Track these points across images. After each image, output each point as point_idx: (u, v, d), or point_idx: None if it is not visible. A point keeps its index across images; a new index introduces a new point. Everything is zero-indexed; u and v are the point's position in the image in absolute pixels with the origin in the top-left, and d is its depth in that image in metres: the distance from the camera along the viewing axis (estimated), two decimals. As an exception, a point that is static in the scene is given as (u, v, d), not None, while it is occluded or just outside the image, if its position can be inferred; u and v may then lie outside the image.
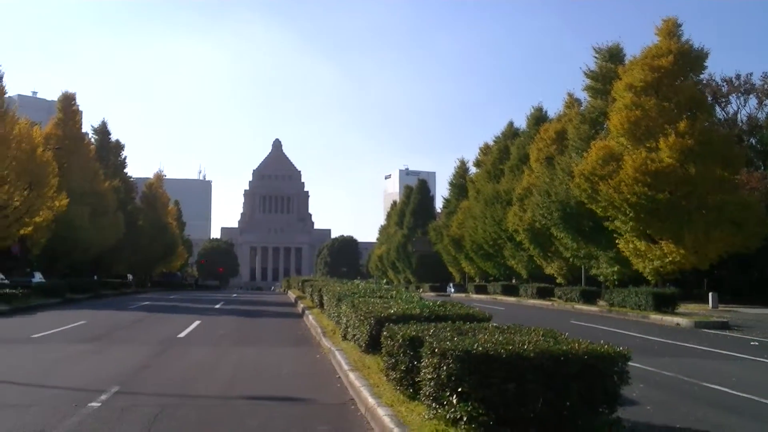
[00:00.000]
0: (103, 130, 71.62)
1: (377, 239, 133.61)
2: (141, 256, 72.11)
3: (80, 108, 59.60)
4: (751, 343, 20.49)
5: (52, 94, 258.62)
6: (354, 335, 14.39)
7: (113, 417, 9.01)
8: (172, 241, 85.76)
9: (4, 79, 39.37)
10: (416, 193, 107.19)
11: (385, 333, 10.35)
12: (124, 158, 74.71)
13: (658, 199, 36.30)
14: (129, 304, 36.99)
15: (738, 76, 58.76)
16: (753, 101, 58.96)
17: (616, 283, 42.47)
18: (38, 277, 44.92)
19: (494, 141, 72.93)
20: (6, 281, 39.39)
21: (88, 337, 19.04)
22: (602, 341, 7.97)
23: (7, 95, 41.15)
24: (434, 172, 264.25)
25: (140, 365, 13.85)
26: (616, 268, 42.29)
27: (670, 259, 36.31)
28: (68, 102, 58.28)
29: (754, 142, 55.63)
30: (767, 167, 50.02)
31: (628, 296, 33.55)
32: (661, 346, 19.11)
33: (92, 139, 66.85)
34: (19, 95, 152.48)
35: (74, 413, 9.12)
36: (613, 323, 27.63)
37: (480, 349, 7.20)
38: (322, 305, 24.94)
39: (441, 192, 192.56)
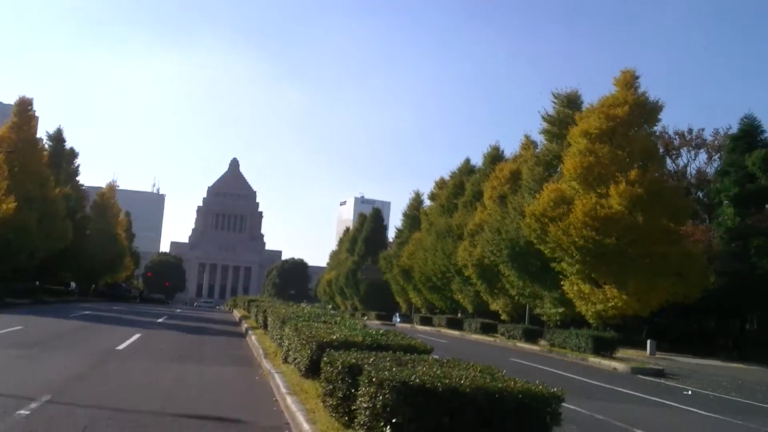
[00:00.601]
0: (58, 137, 70.64)
1: (327, 264, 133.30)
2: (87, 264, 70.82)
3: (36, 114, 58.74)
4: (684, 392, 20.86)
5: (8, 97, 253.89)
6: (295, 359, 14.35)
7: (41, 427, 8.88)
8: (120, 252, 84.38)
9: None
10: (370, 221, 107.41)
11: (325, 358, 10.35)
12: (78, 166, 73.91)
13: (605, 243, 36.89)
14: (70, 312, 36.33)
15: (690, 131, 60.59)
16: (703, 156, 60.78)
17: (559, 323, 42.90)
18: (-23, 279, 43.92)
19: (450, 176, 73.48)
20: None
21: (23, 343, 18.69)
22: (538, 381, 8.11)
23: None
24: (389, 202, 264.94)
25: (75, 375, 13.65)
26: (560, 309, 42.73)
27: (613, 303, 36.83)
28: (24, 106, 57.32)
29: (701, 195, 57.13)
30: (712, 221, 51.25)
31: (568, 337, 33.93)
32: (596, 390, 19.38)
33: (46, 145, 65.90)
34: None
35: (0, 420, 8.98)
36: (552, 363, 27.91)
37: (417, 381, 7.28)
38: (266, 326, 24.80)
39: (394, 222, 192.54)
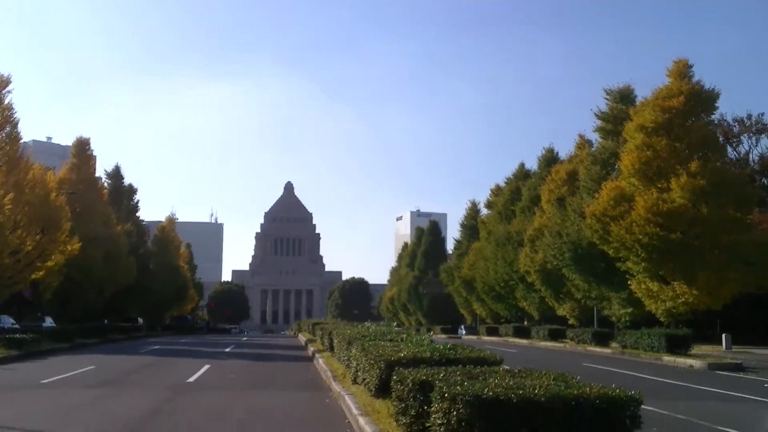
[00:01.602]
0: (116, 174, 72.43)
1: (388, 281, 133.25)
2: (152, 299, 72.06)
3: (94, 152, 60.36)
4: (765, 385, 20.20)
5: (67, 139, 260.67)
6: (364, 379, 14.28)
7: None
8: (184, 284, 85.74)
9: (19, 125, 39.74)
10: (427, 234, 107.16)
11: (395, 377, 10.26)
12: (137, 202, 75.57)
13: (670, 239, 36.11)
14: (139, 348, 36.91)
15: (749, 116, 59.01)
16: (765, 141, 59.36)
17: (629, 324, 42.09)
18: (49, 321, 44.87)
19: (505, 182, 73.00)
20: (17, 326, 39.45)
21: (97, 382, 18.98)
22: (614, 385, 7.89)
23: (21, 141, 41.53)
24: (445, 214, 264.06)
25: (149, 411, 13.77)
26: (629, 310, 41.91)
27: (683, 299, 36.00)
28: (82, 147, 58.95)
29: (766, 182, 55.56)
30: (780, 207, 49.78)
31: (640, 338, 33.27)
32: (674, 389, 18.89)
33: (105, 183, 67.54)
34: (33, 141, 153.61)
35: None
36: (626, 365, 27.36)
37: (490, 393, 7.15)
38: (332, 348, 24.81)
39: (452, 233, 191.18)
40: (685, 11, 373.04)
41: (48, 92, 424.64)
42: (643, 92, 45.42)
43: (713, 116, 43.61)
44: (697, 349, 32.13)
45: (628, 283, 39.25)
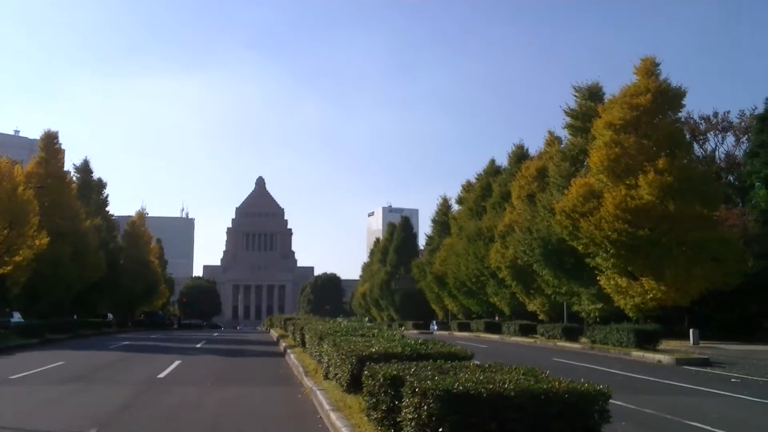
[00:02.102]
0: (85, 169, 71.51)
1: (360, 277, 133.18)
2: (122, 294, 71.43)
3: (62, 146, 59.61)
4: (732, 380, 20.55)
5: (34, 132, 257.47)
6: (336, 374, 14.32)
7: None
8: (154, 280, 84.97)
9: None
10: (399, 230, 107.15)
11: (366, 372, 10.31)
12: (106, 196, 74.67)
13: (638, 235, 36.47)
14: (109, 344, 36.62)
15: (716, 114, 59.69)
16: (731, 139, 59.85)
17: (598, 319, 42.45)
18: (17, 317, 44.40)
19: (476, 178, 73.23)
20: (-16, 321, 38.96)
21: (67, 378, 18.84)
22: (583, 379, 7.99)
23: (-12, 134, 40.94)
24: (417, 209, 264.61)
25: (120, 406, 13.71)
26: (598, 305, 42.23)
27: (651, 295, 36.38)
28: (50, 140, 58.17)
29: (732, 179, 56.27)
30: (745, 204, 50.48)
31: (610, 333, 33.56)
32: (642, 384, 19.12)
33: (74, 178, 66.66)
34: (0, 134, 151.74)
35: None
36: (595, 360, 27.62)
37: (461, 388, 7.22)
38: (304, 344, 24.80)
39: (424, 229, 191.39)
40: (654, 7, 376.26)
41: (16, 84, 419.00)
42: (611, 89, 45.83)
43: (680, 114, 43.98)
44: (665, 345, 32.43)
45: (598, 278, 39.59)
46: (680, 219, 36.81)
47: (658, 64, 40.51)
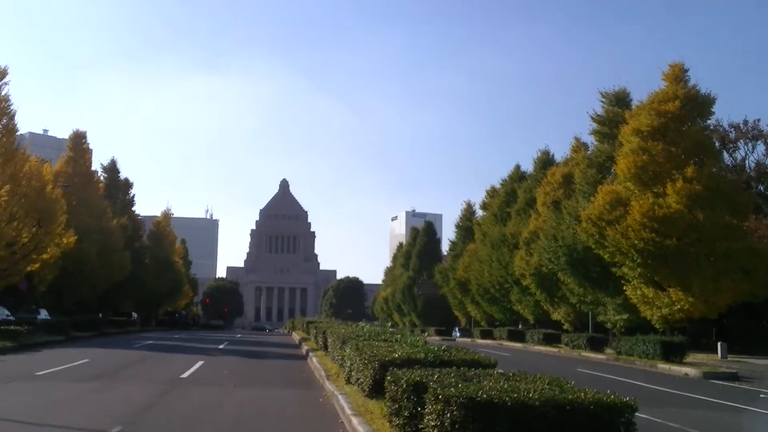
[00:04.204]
0: (112, 168, 72.28)
1: (383, 281, 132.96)
2: (146, 293, 71.94)
3: (90, 146, 60.50)
4: (761, 395, 20.20)
5: (63, 132, 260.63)
6: (358, 379, 14.27)
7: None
8: (178, 280, 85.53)
9: (15, 117, 39.68)
10: (422, 235, 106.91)
11: (388, 377, 10.25)
12: (133, 196, 75.44)
13: (665, 245, 36.03)
14: (133, 342, 36.85)
15: (746, 122, 58.81)
16: (761, 148, 58.98)
17: (624, 330, 41.99)
18: (43, 314, 44.82)
19: (501, 184, 72.93)
20: (11, 318, 39.38)
21: (91, 376, 18.96)
22: (609, 391, 7.88)
23: (18, 133, 41.40)
24: (441, 215, 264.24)
25: (144, 405, 13.76)
26: (624, 316, 41.71)
27: (679, 306, 35.87)
28: (79, 140, 58.91)
29: (762, 189, 55.51)
30: (775, 214, 49.78)
31: (635, 344, 33.20)
32: (669, 397, 18.88)
33: (101, 177, 67.41)
34: (30, 133, 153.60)
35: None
36: (621, 372, 27.35)
37: (484, 396, 7.14)
38: (326, 347, 24.79)
39: (447, 234, 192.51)
40: (684, 14, 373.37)
41: (45, 85, 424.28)
42: (639, 95, 45.39)
43: (709, 121, 43.47)
44: (692, 358, 32.04)
45: (624, 288, 39.10)
46: (709, 229, 36.27)
47: (686, 70, 40.04)
